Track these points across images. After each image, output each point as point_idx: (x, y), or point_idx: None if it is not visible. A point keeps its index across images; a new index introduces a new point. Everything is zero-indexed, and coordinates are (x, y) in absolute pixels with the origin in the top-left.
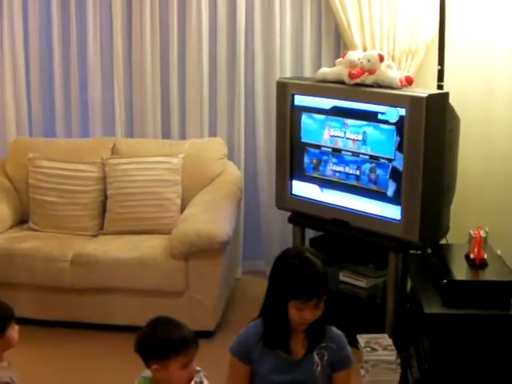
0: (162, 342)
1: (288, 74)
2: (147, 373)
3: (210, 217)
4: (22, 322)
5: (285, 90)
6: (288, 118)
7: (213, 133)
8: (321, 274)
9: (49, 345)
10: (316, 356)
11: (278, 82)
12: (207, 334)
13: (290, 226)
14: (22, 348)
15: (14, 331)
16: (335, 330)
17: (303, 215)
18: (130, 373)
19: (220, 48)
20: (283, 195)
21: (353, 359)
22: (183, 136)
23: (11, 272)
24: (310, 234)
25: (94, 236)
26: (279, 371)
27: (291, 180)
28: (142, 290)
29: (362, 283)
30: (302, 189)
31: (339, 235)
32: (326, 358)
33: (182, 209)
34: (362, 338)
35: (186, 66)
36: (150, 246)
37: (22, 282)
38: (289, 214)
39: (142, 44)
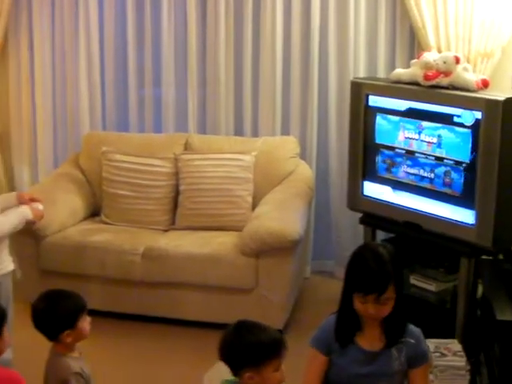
0: (254, 347)
1: (361, 74)
2: (230, 376)
3: (282, 215)
4: (92, 313)
5: (359, 90)
6: (362, 119)
7: (285, 131)
8: (385, 270)
9: (117, 337)
10: (395, 351)
11: (353, 82)
12: None
13: (361, 226)
14: (91, 339)
15: (85, 323)
16: (414, 327)
17: (375, 216)
18: (196, 367)
19: (294, 46)
20: (355, 196)
21: (430, 357)
22: (255, 133)
23: (83, 264)
24: (380, 235)
25: (165, 231)
26: (358, 363)
27: (363, 181)
28: (211, 286)
29: (431, 287)
30: (373, 190)
31: (410, 238)
32: (404, 353)
33: (253, 206)
34: (431, 343)
35: (260, 63)
36: (220, 243)
37: (93, 274)
38: (360, 214)
39: (216, 40)
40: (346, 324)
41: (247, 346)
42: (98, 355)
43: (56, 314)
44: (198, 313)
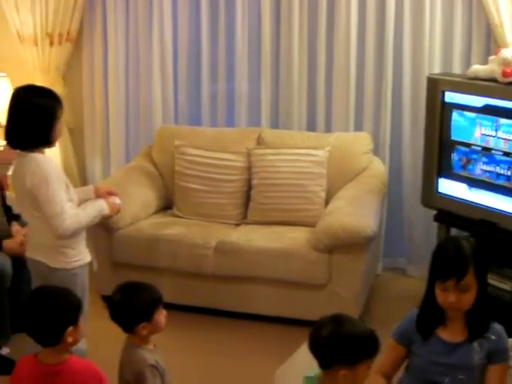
0: (358, 344)
1: (436, 70)
2: (311, 372)
3: (356, 211)
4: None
5: (435, 87)
6: (438, 115)
7: (358, 127)
8: (463, 255)
9: (188, 330)
10: (476, 345)
11: (429, 78)
12: None
13: (434, 224)
14: (163, 331)
15: (161, 315)
16: (497, 324)
17: (449, 214)
18: (266, 362)
19: (368, 41)
20: (429, 193)
21: (509, 356)
22: (328, 129)
23: (155, 257)
24: (454, 233)
25: (237, 225)
26: (438, 353)
27: (438, 178)
28: (283, 281)
29: (506, 286)
30: (449, 187)
31: (486, 236)
32: (485, 348)
33: (326, 202)
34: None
35: (334, 59)
36: (292, 238)
37: (165, 267)
38: (433, 212)
39: (290, 35)
40: (429, 316)
41: (351, 342)
42: (167, 346)
43: (132, 306)
44: (268, 308)
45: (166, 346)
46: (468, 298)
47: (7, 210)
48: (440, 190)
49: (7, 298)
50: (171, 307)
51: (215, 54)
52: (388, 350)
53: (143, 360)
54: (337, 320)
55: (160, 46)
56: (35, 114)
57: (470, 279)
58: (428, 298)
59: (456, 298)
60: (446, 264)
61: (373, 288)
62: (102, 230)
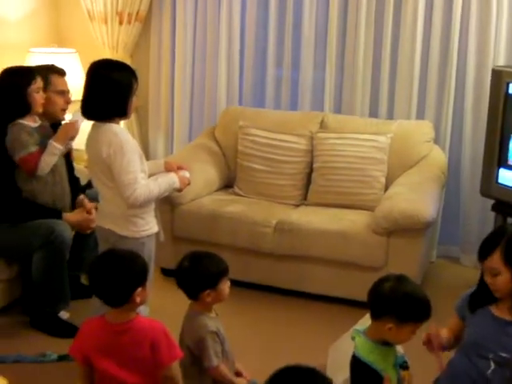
0: (412, 304)
1: (501, 62)
2: (360, 326)
3: (415, 197)
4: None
5: (500, 78)
6: (501, 106)
7: (420, 115)
8: (492, 238)
9: (245, 305)
10: None
11: (494, 70)
12: None
13: (490, 214)
14: (220, 305)
15: (226, 285)
16: None
17: (507, 205)
18: (320, 339)
19: (434, 31)
20: (489, 183)
21: None
22: (390, 116)
23: (215, 233)
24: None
25: (297, 206)
26: (487, 325)
27: (498, 168)
28: (340, 262)
29: None
30: (508, 178)
31: None
32: None
33: (385, 188)
34: None
35: (399, 48)
36: (351, 220)
37: (224, 244)
38: (490, 202)
39: (357, 22)
40: (480, 292)
41: (404, 298)
42: (226, 320)
43: (199, 273)
44: (324, 287)
45: (224, 320)
46: (499, 282)
47: (75, 181)
48: (500, 180)
49: (67, 265)
50: (230, 283)
51: (281, 38)
52: (450, 319)
53: (205, 326)
54: (401, 278)
55: (228, 29)
56: (113, 87)
57: (495, 263)
58: (481, 277)
59: (489, 280)
60: (481, 245)
61: (426, 275)
62: (166, 205)
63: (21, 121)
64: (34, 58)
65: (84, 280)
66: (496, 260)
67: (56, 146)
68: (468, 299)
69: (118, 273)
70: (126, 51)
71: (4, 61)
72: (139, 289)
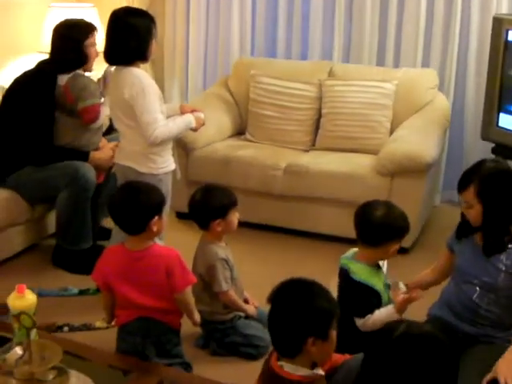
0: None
1: (504, 10)
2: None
3: (418, 139)
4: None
5: (500, 26)
6: (501, 53)
7: (425, 63)
8: (471, 172)
9: (256, 244)
10: (504, 257)
11: (495, 18)
12: (403, 250)
13: (491, 157)
14: (232, 244)
15: (235, 216)
16: None
17: (507, 148)
18: (324, 274)
19: None
20: (489, 127)
21: None
22: (396, 64)
23: (227, 176)
24: None
25: (306, 151)
26: (470, 253)
27: (498, 112)
28: (346, 202)
29: None
30: (508, 122)
31: None
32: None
33: (391, 132)
34: None
35: None
36: (358, 163)
37: (236, 186)
38: (492, 145)
39: None
40: (463, 223)
41: (402, 219)
42: (238, 258)
43: (210, 203)
44: (332, 227)
45: (236, 257)
46: (472, 214)
47: None
48: (500, 124)
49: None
50: (241, 224)
51: None
52: (440, 255)
53: (215, 254)
54: (388, 204)
55: None
56: (132, 32)
57: (469, 196)
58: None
59: (465, 211)
60: (460, 178)
61: (429, 218)
62: (181, 149)
63: (81, 72)
64: (54, 12)
65: (104, 223)
66: (470, 194)
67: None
68: (455, 230)
69: (135, 202)
70: (143, 4)
71: (25, 16)
72: (155, 218)
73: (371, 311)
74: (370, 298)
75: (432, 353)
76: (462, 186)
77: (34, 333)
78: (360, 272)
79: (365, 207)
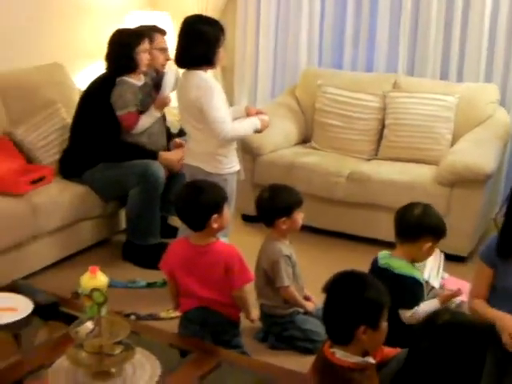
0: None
1: None
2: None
3: (478, 151)
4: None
5: None
6: None
7: (488, 78)
8: None
9: (317, 248)
10: None
11: None
12: (460, 259)
13: None
14: (293, 245)
15: (299, 216)
16: None
17: None
18: None
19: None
20: None
21: None
22: (459, 78)
23: (291, 181)
24: None
25: (369, 160)
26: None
27: None
28: None
29: None
30: None
31: None
32: None
33: (451, 144)
34: None
35: (469, 12)
36: (418, 173)
37: (301, 192)
38: None
39: None
40: (506, 237)
41: (439, 219)
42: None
43: (277, 201)
44: (389, 233)
45: (299, 260)
46: None
47: (166, 130)
48: None
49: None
50: (304, 228)
51: (359, 4)
52: (477, 272)
53: (279, 251)
54: (426, 205)
55: None
56: (202, 38)
57: None
58: (508, 220)
59: None
60: None
61: (487, 230)
62: (248, 154)
63: (127, 78)
64: (132, 20)
65: (171, 221)
66: None
67: (154, 113)
68: (496, 247)
69: (195, 200)
70: (215, 14)
71: (105, 22)
72: (214, 215)
73: (418, 303)
74: (417, 290)
75: (473, 342)
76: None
77: (104, 309)
78: (402, 266)
79: (405, 206)
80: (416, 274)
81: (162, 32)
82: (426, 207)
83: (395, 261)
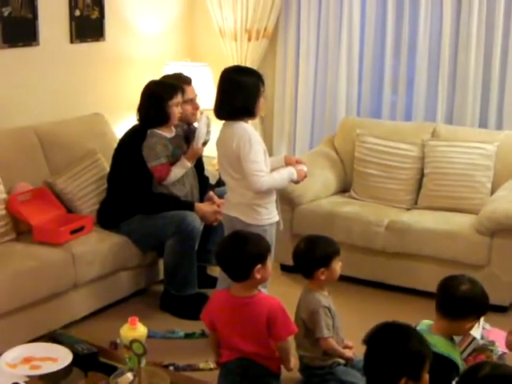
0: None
1: None
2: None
3: None
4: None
5: None
6: None
7: None
8: None
9: (355, 298)
10: None
11: None
12: (502, 309)
13: None
14: (332, 295)
15: (338, 265)
16: None
17: None
18: None
19: None
20: None
21: None
22: (499, 126)
23: (331, 231)
24: None
25: (408, 209)
26: None
27: None
28: (446, 260)
29: None
30: None
31: None
32: None
33: (491, 193)
34: None
35: (508, 63)
36: (458, 222)
37: (340, 241)
38: None
39: (468, 33)
40: None
41: (484, 297)
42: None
43: (314, 252)
44: (432, 284)
45: (339, 312)
46: None
47: (204, 180)
48: None
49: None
50: (343, 278)
51: (398, 55)
52: None
53: (318, 301)
54: (471, 279)
55: (348, 46)
56: (241, 89)
57: None
58: None
59: None
60: None
61: None
62: (286, 205)
63: (158, 131)
64: (170, 70)
65: (210, 271)
66: None
67: (186, 163)
68: None
69: (239, 250)
70: (253, 65)
71: (143, 72)
72: (258, 265)
73: None
74: (452, 372)
75: None
76: None
77: (144, 360)
78: (440, 345)
79: (450, 279)
80: (454, 355)
81: (188, 82)
82: (473, 283)
83: (433, 337)
